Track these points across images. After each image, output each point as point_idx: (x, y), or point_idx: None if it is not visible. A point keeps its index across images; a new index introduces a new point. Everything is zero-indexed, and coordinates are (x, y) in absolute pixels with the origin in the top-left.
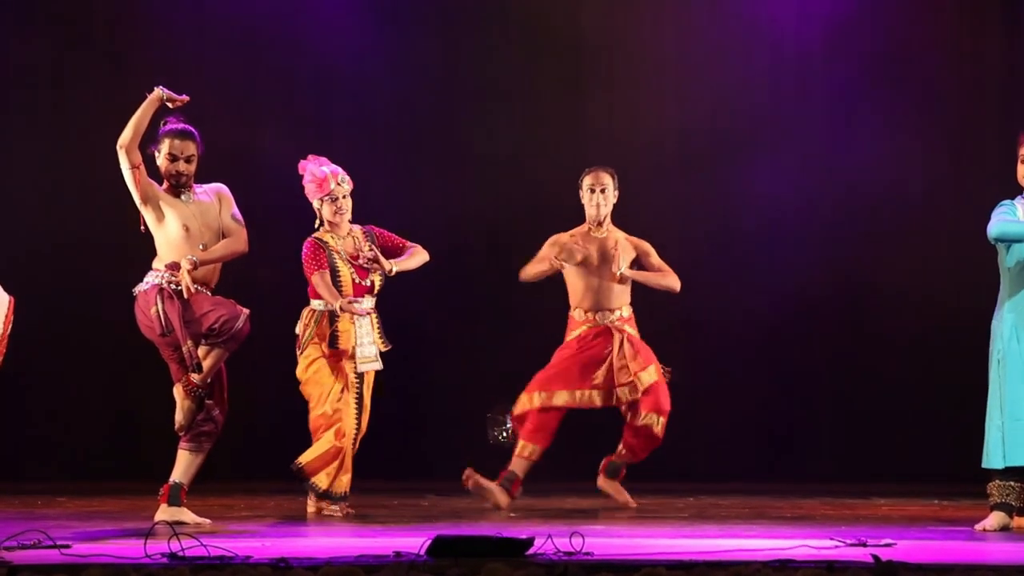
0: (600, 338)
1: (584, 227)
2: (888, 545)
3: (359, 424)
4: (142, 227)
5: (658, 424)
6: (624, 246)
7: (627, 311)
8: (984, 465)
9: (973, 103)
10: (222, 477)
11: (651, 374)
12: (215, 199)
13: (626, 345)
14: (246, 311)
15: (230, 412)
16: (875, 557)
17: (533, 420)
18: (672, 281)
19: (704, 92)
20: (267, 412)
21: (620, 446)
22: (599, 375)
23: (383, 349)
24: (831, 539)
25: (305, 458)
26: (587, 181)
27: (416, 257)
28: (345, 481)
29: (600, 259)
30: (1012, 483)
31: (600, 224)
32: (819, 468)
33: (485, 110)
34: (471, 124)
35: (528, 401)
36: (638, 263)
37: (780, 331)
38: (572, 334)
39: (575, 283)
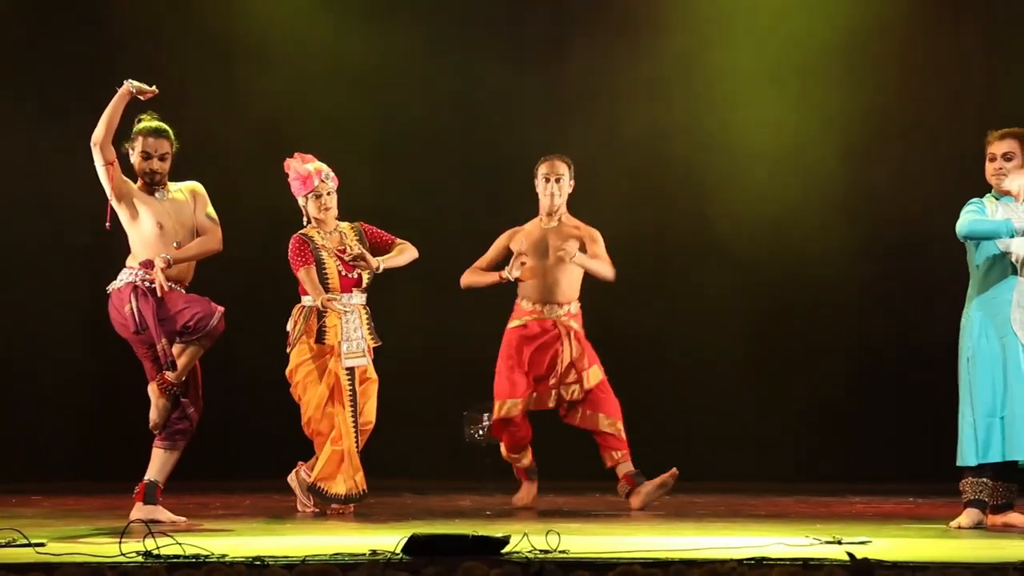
0: (545, 334)
1: (537, 219)
2: (863, 543)
3: (356, 420)
4: (108, 224)
5: (613, 427)
6: (572, 235)
7: (575, 307)
8: (959, 463)
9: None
10: (197, 475)
11: (596, 374)
12: (189, 197)
13: (573, 343)
14: (221, 308)
15: (205, 410)
16: (850, 555)
17: (504, 431)
18: (607, 270)
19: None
20: (243, 410)
21: (606, 455)
22: (552, 379)
23: (373, 345)
24: (806, 537)
25: (316, 475)
26: (542, 169)
27: (405, 254)
28: (359, 479)
29: (553, 250)
30: (985, 480)
31: (551, 215)
32: (795, 466)
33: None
34: (456, 124)
35: (507, 410)
36: (583, 250)
37: (755, 331)
38: (514, 322)
39: (524, 274)
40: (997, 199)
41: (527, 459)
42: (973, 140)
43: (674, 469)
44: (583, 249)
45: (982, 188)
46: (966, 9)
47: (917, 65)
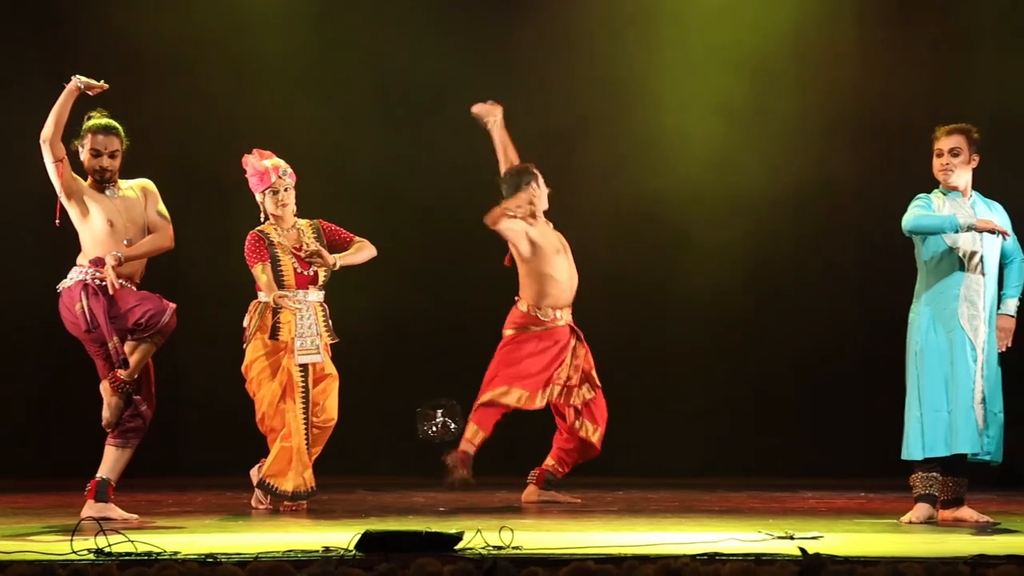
0: (559, 337)
1: (541, 217)
2: (815, 538)
3: (308, 417)
4: (57, 221)
5: (595, 434)
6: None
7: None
8: (904, 456)
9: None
10: (150, 473)
11: (589, 390)
12: (140, 194)
13: (580, 346)
14: (172, 305)
15: (158, 407)
16: (802, 550)
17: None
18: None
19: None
20: (195, 407)
21: (549, 457)
22: (560, 375)
23: (329, 342)
24: (759, 532)
25: (264, 470)
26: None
27: (363, 252)
28: (308, 476)
29: (561, 248)
30: (935, 475)
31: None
32: (747, 462)
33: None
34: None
35: (519, 399)
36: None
37: (706, 330)
38: (534, 328)
39: (559, 274)
40: (945, 194)
41: (473, 449)
42: (922, 135)
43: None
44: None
45: (930, 183)
46: (915, 7)
47: (864, 60)
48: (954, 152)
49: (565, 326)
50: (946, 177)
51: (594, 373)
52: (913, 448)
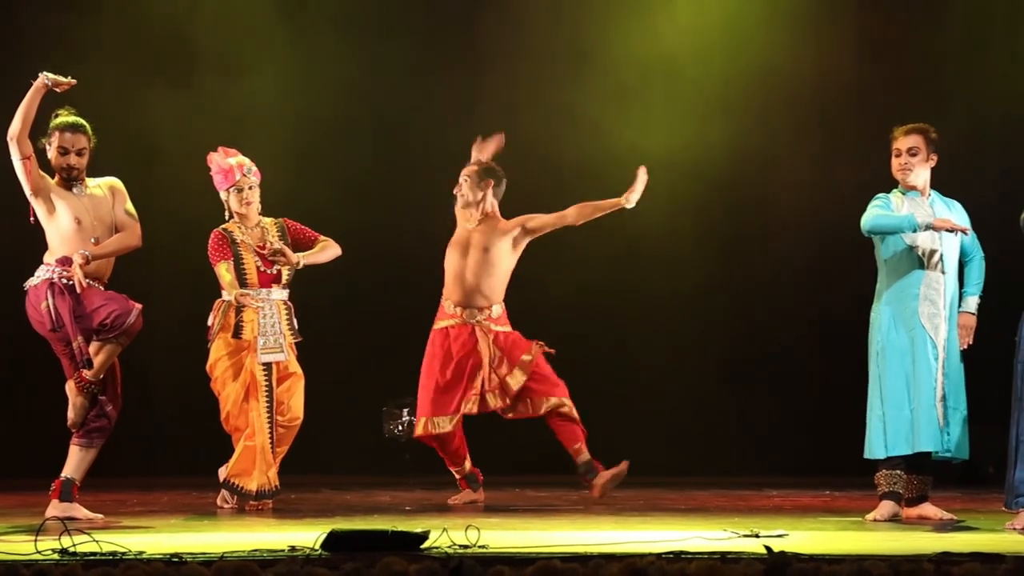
0: (468, 339)
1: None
2: (780, 536)
3: (271, 416)
4: (31, 219)
5: (564, 406)
6: (493, 229)
7: (497, 310)
8: (866, 455)
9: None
10: (115, 472)
11: (520, 376)
12: (108, 193)
13: (493, 349)
14: (139, 306)
15: (123, 407)
16: (767, 548)
17: (439, 446)
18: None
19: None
20: (161, 407)
21: (567, 447)
22: (476, 385)
23: (293, 341)
24: (724, 530)
25: (228, 470)
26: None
27: (327, 251)
28: (272, 476)
29: (475, 250)
30: (899, 472)
31: (476, 211)
32: (712, 461)
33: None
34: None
35: (423, 426)
36: (523, 235)
37: (672, 327)
38: (439, 324)
39: (447, 271)
40: (903, 194)
41: (468, 467)
42: (881, 134)
43: (625, 461)
44: (515, 243)
45: (889, 183)
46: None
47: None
48: (912, 152)
49: (465, 326)
50: (904, 176)
51: (521, 356)
52: (876, 447)
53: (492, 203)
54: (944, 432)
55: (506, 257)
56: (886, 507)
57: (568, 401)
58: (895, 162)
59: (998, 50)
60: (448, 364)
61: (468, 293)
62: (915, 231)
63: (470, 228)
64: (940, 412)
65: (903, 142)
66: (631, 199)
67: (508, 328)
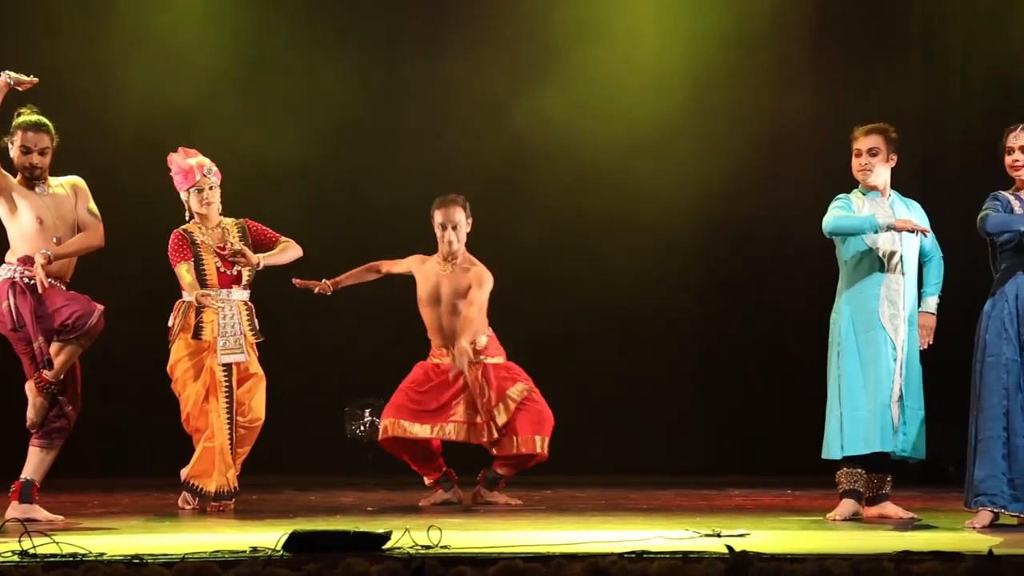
0: (458, 372)
1: (437, 256)
2: (742, 535)
3: (232, 417)
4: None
5: (538, 445)
6: (462, 280)
7: (483, 341)
8: (824, 456)
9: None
10: (75, 473)
11: (504, 411)
12: (70, 192)
13: (481, 382)
14: (100, 307)
15: (83, 408)
16: (729, 547)
17: (405, 451)
18: (471, 314)
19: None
20: (121, 408)
21: (496, 462)
22: (458, 411)
23: (254, 341)
24: (686, 530)
25: (188, 471)
26: (438, 217)
27: (288, 252)
28: (231, 477)
29: (445, 299)
30: (859, 471)
31: (449, 260)
32: (674, 460)
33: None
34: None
35: (384, 429)
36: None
37: (632, 326)
38: (431, 360)
39: (425, 320)
40: (864, 195)
41: (437, 471)
42: (841, 134)
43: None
44: (465, 293)
45: (849, 183)
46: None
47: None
48: (872, 152)
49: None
50: (865, 177)
51: (508, 391)
52: (832, 447)
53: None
54: (900, 432)
55: (477, 299)
56: (847, 506)
57: (543, 440)
58: (855, 162)
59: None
60: (433, 380)
61: (449, 337)
62: (876, 232)
63: (440, 276)
64: (896, 412)
65: (863, 142)
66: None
67: (500, 358)
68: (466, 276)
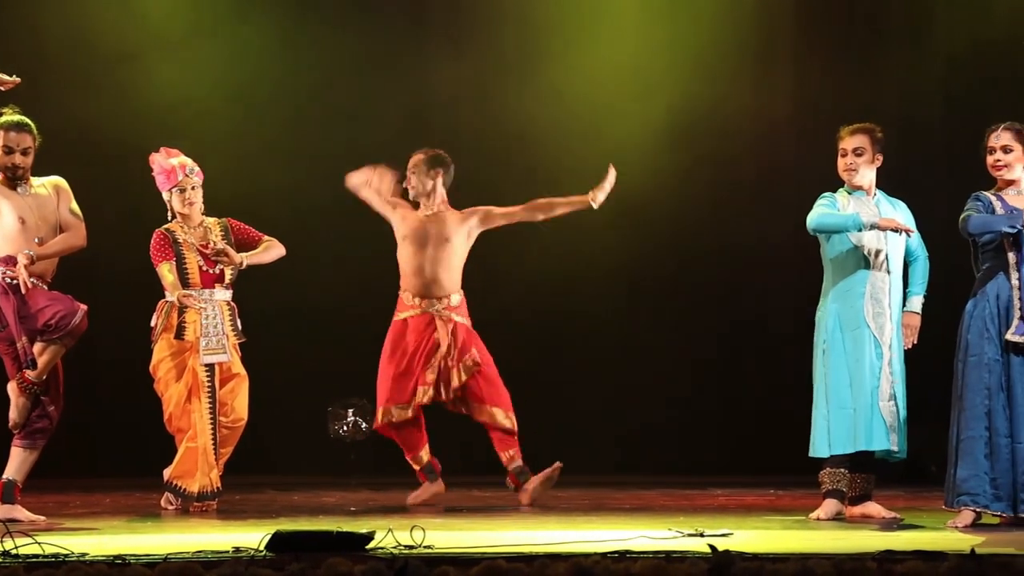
0: (425, 328)
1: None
2: (725, 535)
3: (215, 417)
4: None
5: (495, 417)
6: (455, 220)
7: (456, 298)
8: (811, 454)
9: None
10: (57, 474)
11: (459, 375)
12: (52, 192)
13: (450, 339)
14: (83, 307)
15: (66, 408)
16: (712, 547)
17: (399, 438)
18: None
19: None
20: (103, 408)
21: (501, 454)
22: (426, 375)
23: (237, 341)
24: (669, 530)
25: (171, 471)
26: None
27: (271, 251)
28: (214, 477)
29: (432, 240)
30: (842, 470)
31: (427, 201)
32: (657, 460)
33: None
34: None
35: (380, 415)
36: (478, 225)
37: (615, 326)
38: (399, 315)
39: (404, 263)
40: (849, 193)
41: (425, 457)
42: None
43: (558, 463)
44: (469, 234)
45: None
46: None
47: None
48: (858, 152)
49: (424, 315)
50: (850, 177)
51: (474, 352)
52: (819, 446)
53: (442, 192)
54: (891, 432)
55: (461, 247)
56: (830, 505)
57: (504, 414)
58: (841, 162)
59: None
60: (404, 353)
61: (427, 284)
62: (860, 230)
63: (424, 219)
64: (888, 411)
65: (849, 142)
66: (598, 198)
67: (466, 320)
68: (458, 215)
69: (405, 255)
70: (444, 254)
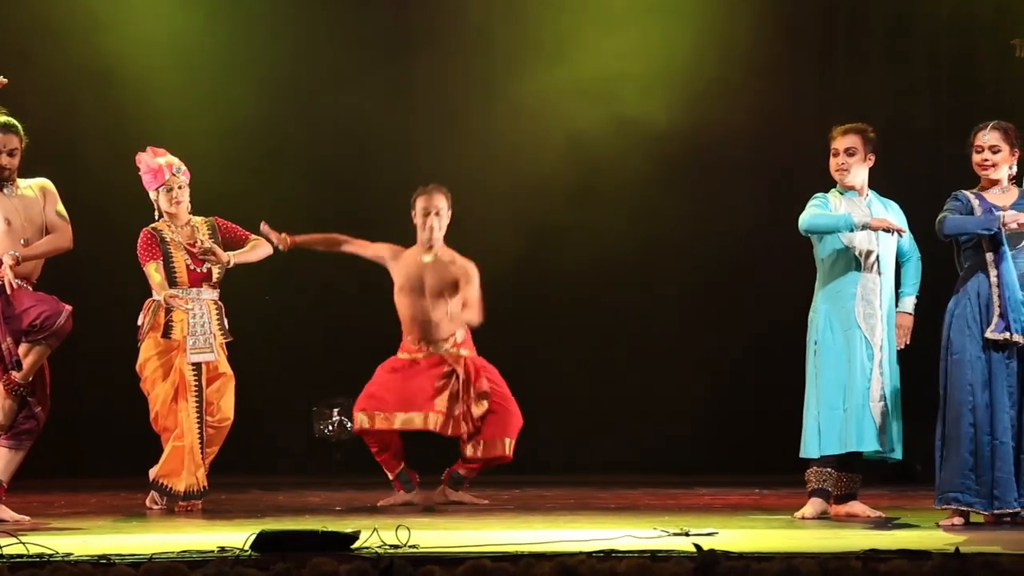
0: (438, 365)
1: (416, 249)
2: (710, 534)
3: (201, 416)
4: None
5: (506, 447)
6: (448, 273)
7: (461, 335)
8: (801, 455)
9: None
10: (43, 474)
11: (479, 405)
12: (39, 194)
13: (460, 377)
14: (68, 308)
15: (52, 409)
16: (697, 546)
17: (377, 443)
18: (472, 316)
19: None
20: (90, 407)
21: (460, 462)
22: (440, 402)
23: (224, 341)
24: (654, 529)
25: (157, 470)
26: (420, 203)
27: (258, 250)
28: (201, 476)
29: (430, 289)
30: (829, 470)
31: (430, 248)
32: (643, 459)
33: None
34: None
35: (367, 420)
36: (457, 286)
37: (599, 325)
38: (403, 355)
39: (403, 312)
40: (842, 193)
41: (400, 466)
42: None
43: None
44: (456, 287)
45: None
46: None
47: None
48: (850, 152)
49: (433, 356)
50: (842, 177)
51: (479, 385)
52: (810, 447)
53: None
54: (880, 433)
55: (473, 295)
56: (815, 504)
57: (511, 442)
58: (833, 162)
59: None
60: (410, 371)
61: (429, 330)
62: (852, 230)
63: (423, 266)
64: (879, 412)
65: (841, 142)
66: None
67: (473, 351)
68: (451, 268)
69: (403, 307)
70: (445, 304)
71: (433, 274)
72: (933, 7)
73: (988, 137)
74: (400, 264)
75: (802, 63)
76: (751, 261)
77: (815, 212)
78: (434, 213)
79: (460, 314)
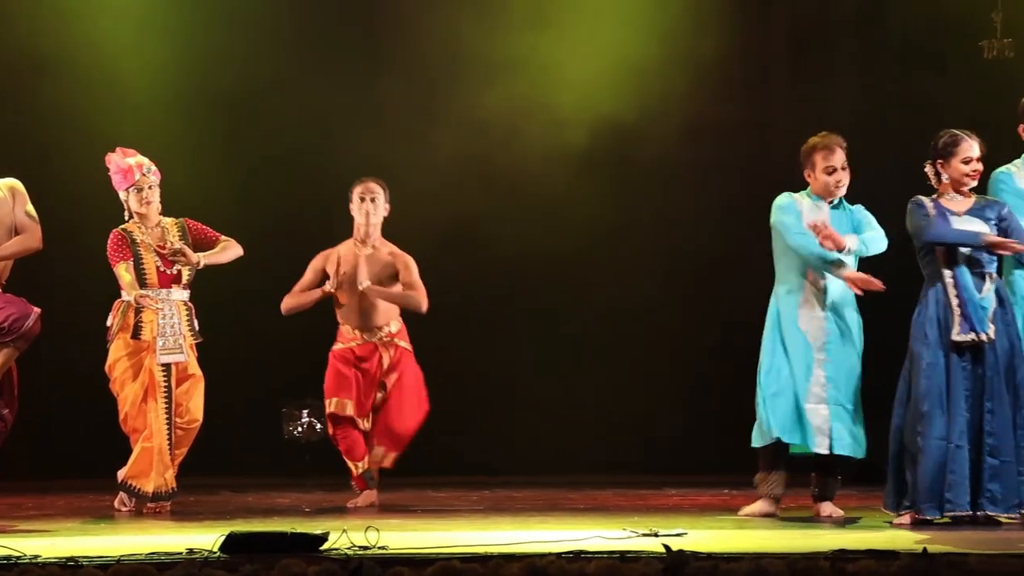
0: (373, 355)
1: (351, 242)
2: (679, 535)
3: (170, 417)
4: None
5: (386, 458)
6: (386, 262)
7: (396, 325)
8: (752, 444)
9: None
10: (11, 476)
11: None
12: (8, 194)
13: (387, 359)
14: (37, 310)
15: (20, 410)
16: (666, 547)
17: (345, 442)
18: (417, 300)
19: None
20: (58, 409)
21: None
22: (377, 395)
23: (194, 342)
24: (623, 529)
25: (125, 471)
26: (357, 191)
27: (228, 251)
28: (169, 477)
29: (371, 279)
30: (780, 472)
31: (365, 240)
32: (612, 460)
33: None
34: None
35: (338, 405)
36: (397, 277)
37: (566, 327)
38: (339, 345)
39: (340, 301)
40: (808, 197)
41: (364, 465)
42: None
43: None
44: (396, 277)
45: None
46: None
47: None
48: (843, 167)
49: (367, 344)
50: (839, 191)
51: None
52: (754, 437)
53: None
54: (818, 433)
55: (416, 281)
56: (762, 504)
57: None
58: (830, 178)
59: None
60: (356, 365)
61: (367, 319)
62: (825, 262)
63: (359, 259)
64: (818, 414)
65: (838, 158)
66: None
67: (407, 344)
68: (389, 259)
69: (341, 295)
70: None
71: (371, 265)
72: (903, 9)
73: (977, 149)
74: (334, 259)
75: (774, 65)
76: (721, 262)
77: (797, 229)
78: (369, 199)
79: (402, 294)
